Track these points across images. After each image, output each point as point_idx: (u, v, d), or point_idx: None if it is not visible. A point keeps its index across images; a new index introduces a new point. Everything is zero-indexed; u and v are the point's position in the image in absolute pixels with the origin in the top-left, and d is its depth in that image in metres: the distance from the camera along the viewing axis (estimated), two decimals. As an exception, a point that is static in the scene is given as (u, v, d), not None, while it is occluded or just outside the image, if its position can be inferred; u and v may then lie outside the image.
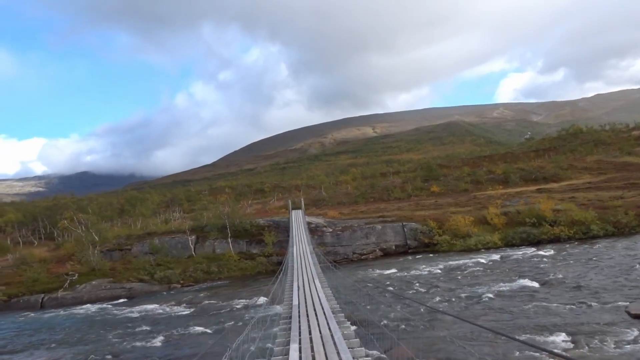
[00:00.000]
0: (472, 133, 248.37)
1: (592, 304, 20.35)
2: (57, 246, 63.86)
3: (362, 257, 49.98)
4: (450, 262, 37.93)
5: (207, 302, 32.91)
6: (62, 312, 36.07)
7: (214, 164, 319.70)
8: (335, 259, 45.89)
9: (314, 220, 56.93)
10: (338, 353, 8.48)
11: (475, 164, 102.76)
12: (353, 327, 12.82)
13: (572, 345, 15.46)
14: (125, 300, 40.08)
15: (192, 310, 30.58)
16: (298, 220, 56.60)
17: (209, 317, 27.37)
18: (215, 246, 54.10)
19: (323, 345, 9.38)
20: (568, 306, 20.50)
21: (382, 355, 13.88)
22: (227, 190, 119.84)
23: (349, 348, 8.85)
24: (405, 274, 35.15)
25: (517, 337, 8.46)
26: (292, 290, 18.78)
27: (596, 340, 15.64)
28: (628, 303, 19.60)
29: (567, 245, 41.09)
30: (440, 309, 21.28)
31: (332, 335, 10.05)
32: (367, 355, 9.25)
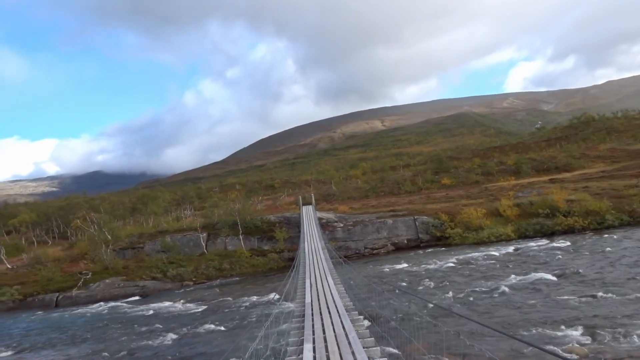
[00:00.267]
0: (481, 124, 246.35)
1: (610, 296, 20.02)
2: (70, 245, 64.33)
3: (374, 252, 49.79)
4: (463, 256, 37.63)
5: (219, 299, 32.96)
6: (76, 311, 36.37)
7: (223, 161, 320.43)
8: (346, 254, 45.75)
9: (324, 215, 56.80)
10: (353, 353, 8.35)
11: (486, 155, 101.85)
12: (367, 324, 12.69)
13: (590, 340, 15.20)
14: (139, 298, 40.31)
15: (204, 307, 30.63)
16: (309, 216, 56.50)
17: (221, 314, 27.39)
18: (226, 243, 54.19)
19: (337, 344, 9.25)
20: (585, 299, 20.18)
21: (396, 352, 13.74)
22: (238, 186, 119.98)
23: (364, 348, 8.70)
24: (418, 268, 34.94)
25: (516, 336, 8.28)
26: (304, 288, 18.67)
27: (616, 334, 15.36)
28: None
29: (582, 236, 40.60)
30: (447, 307, 21.09)
31: (346, 335, 9.92)
32: (382, 355, 9.09)
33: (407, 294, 22.87)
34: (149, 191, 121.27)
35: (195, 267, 47.79)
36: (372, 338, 9.99)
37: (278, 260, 48.81)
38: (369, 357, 8.09)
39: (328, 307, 13.98)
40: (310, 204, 65.70)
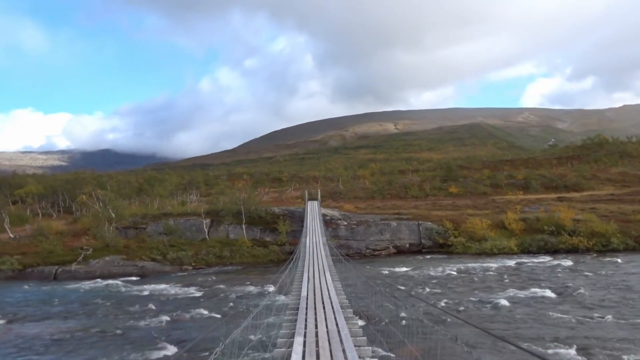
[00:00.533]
0: (494, 136, 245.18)
1: (607, 318, 19.78)
2: (74, 220, 64.64)
3: (375, 253, 49.65)
4: (464, 265, 37.43)
5: (217, 286, 32.95)
6: (74, 285, 36.52)
7: (233, 150, 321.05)
8: (347, 252, 45.63)
9: (329, 212, 56.71)
10: (344, 351, 8.22)
11: (496, 167, 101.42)
12: (361, 323, 12.56)
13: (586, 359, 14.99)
14: (137, 278, 40.39)
15: (201, 293, 30.63)
16: (313, 211, 56.42)
17: (217, 301, 27.37)
18: (229, 231, 54.24)
19: (329, 341, 9.13)
20: (582, 319, 19.97)
21: (388, 354, 13.63)
22: (245, 176, 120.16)
23: (355, 346, 8.58)
24: (418, 273, 34.78)
25: (521, 346, 8.10)
26: (301, 281, 18.58)
27: (609, 357, 15.15)
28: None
29: (585, 257, 40.25)
30: (449, 311, 20.92)
31: (339, 332, 9.79)
32: (373, 355, 8.97)
33: (404, 297, 22.73)
34: (156, 173, 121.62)
35: (195, 252, 47.85)
36: (365, 337, 9.87)
37: (279, 253, 48.75)
38: (359, 357, 7.96)
39: (323, 303, 13.87)
40: (315, 199, 65.61)
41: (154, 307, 25.88)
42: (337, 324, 10.65)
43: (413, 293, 23.71)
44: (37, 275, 42.44)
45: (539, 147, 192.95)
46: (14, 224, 59.71)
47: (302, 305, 13.42)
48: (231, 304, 25.99)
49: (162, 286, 33.84)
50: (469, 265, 37.37)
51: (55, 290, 34.28)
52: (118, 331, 20.68)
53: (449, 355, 14.33)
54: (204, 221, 54.77)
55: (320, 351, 8.43)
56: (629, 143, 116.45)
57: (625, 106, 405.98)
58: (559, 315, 20.70)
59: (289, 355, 8.34)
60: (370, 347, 9.36)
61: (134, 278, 40.17)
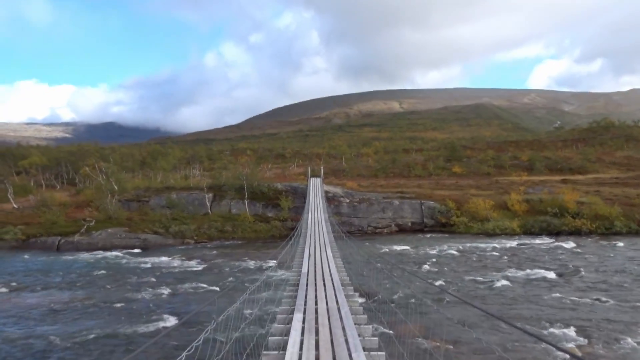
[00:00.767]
0: (500, 117, 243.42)
1: (610, 301, 19.72)
2: (77, 192, 64.78)
3: (377, 231, 49.67)
4: (466, 245, 37.40)
5: (218, 260, 33.05)
6: (76, 256, 36.71)
7: (237, 126, 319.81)
8: (349, 230, 45.63)
9: (331, 189, 56.61)
10: (343, 328, 8.12)
11: (501, 148, 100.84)
12: (361, 301, 12.50)
13: (585, 342, 14.95)
14: (139, 250, 40.57)
15: (203, 266, 30.74)
16: (316, 188, 56.30)
17: (218, 274, 27.45)
18: (231, 206, 54.28)
19: (329, 318, 9.04)
20: (583, 300, 19.90)
21: (388, 332, 13.59)
22: (249, 152, 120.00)
23: (355, 324, 8.48)
24: (419, 251, 34.79)
25: (521, 327, 8.00)
26: (302, 257, 18.50)
27: (610, 339, 15.10)
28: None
29: (588, 239, 40.16)
30: (449, 291, 20.91)
31: (339, 309, 9.70)
32: (373, 334, 8.87)
33: (406, 275, 22.70)
34: (160, 147, 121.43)
35: (197, 226, 47.96)
36: (365, 315, 9.78)
37: (281, 229, 48.80)
38: (359, 334, 7.87)
39: (324, 279, 13.79)
40: (318, 176, 65.47)
41: (154, 279, 25.98)
42: (337, 301, 10.56)
43: (412, 271, 23.66)
44: (40, 245, 42.69)
45: (545, 129, 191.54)
46: (17, 195, 59.94)
47: (303, 281, 13.34)
48: (231, 278, 26.05)
49: (164, 259, 33.99)
50: (471, 244, 37.34)
51: (57, 261, 34.46)
52: (117, 302, 20.76)
53: (447, 334, 14.29)
54: (207, 195, 54.78)
55: (320, 328, 8.34)
56: (636, 127, 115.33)
57: (633, 90, 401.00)
58: (559, 296, 20.65)
59: (288, 331, 8.26)
60: (370, 325, 9.28)
61: (136, 250, 40.37)
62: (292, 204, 53.04)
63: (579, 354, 13.76)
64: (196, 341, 5.00)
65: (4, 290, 24.25)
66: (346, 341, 7.54)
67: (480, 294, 21.62)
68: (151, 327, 16.83)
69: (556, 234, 43.79)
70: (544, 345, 14.11)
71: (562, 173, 72.84)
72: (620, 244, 36.71)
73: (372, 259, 22.16)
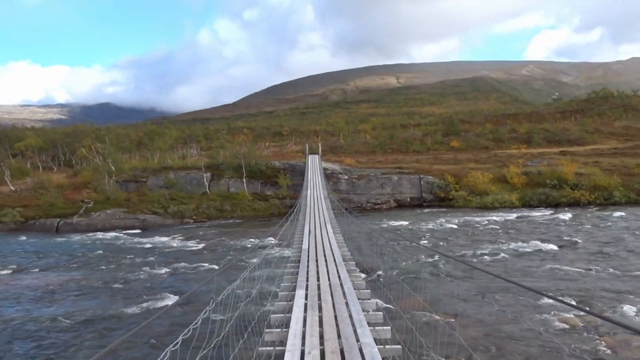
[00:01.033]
0: (498, 90, 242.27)
1: (610, 270, 19.73)
2: (74, 173, 64.56)
3: (376, 207, 49.67)
4: (465, 218, 37.41)
5: (217, 239, 33.02)
6: (75, 237, 36.67)
7: (234, 104, 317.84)
8: (348, 206, 45.61)
9: (330, 166, 56.44)
10: (347, 304, 8.01)
11: (499, 121, 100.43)
12: (363, 276, 12.42)
13: (583, 312, 14.93)
14: (138, 231, 40.51)
15: (202, 246, 30.69)
16: (314, 165, 56.11)
17: (217, 253, 27.42)
18: (229, 185, 54.14)
19: (331, 294, 8.92)
20: (584, 271, 19.90)
21: (390, 306, 13.54)
22: (246, 131, 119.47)
23: (358, 299, 8.37)
24: (419, 226, 34.78)
25: (539, 290, 7.89)
26: (302, 234, 18.40)
27: (611, 308, 15.10)
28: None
29: (587, 210, 40.18)
30: (457, 259, 20.91)
31: (341, 284, 9.59)
32: (378, 309, 8.78)
33: (406, 248, 22.68)
34: (156, 127, 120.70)
35: (196, 206, 47.87)
36: (368, 290, 9.68)
37: (279, 207, 48.74)
38: (363, 310, 7.77)
39: (325, 255, 13.68)
40: (316, 153, 65.22)
41: (153, 259, 25.94)
42: (339, 277, 10.45)
43: (414, 244, 23.61)
44: (39, 227, 42.62)
45: (543, 101, 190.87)
46: (14, 177, 59.67)
47: (304, 257, 13.23)
48: (229, 256, 26.01)
49: (163, 239, 33.94)
50: (470, 218, 37.35)
51: (56, 242, 34.41)
52: (116, 282, 20.70)
53: (451, 306, 14.27)
54: (205, 175, 54.58)
55: (323, 304, 8.23)
56: (634, 97, 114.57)
57: (633, 59, 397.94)
58: (558, 266, 20.66)
59: (290, 308, 8.14)
60: (374, 300, 9.18)
61: (135, 231, 40.31)
62: (291, 181, 52.91)
63: (580, 324, 13.77)
64: (193, 323, 4.84)
65: (4, 272, 24.18)
66: (350, 316, 7.43)
67: (479, 265, 21.62)
68: (150, 306, 16.78)
69: (555, 205, 43.82)
70: (551, 302, 14.12)
71: (560, 145, 72.65)
72: (620, 213, 36.74)
73: (372, 233, 22.09)
